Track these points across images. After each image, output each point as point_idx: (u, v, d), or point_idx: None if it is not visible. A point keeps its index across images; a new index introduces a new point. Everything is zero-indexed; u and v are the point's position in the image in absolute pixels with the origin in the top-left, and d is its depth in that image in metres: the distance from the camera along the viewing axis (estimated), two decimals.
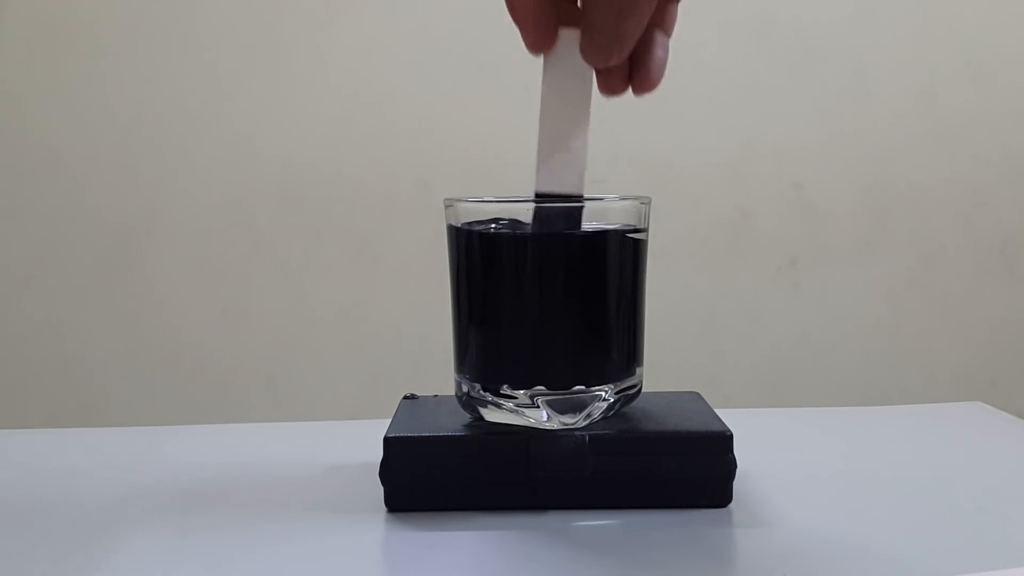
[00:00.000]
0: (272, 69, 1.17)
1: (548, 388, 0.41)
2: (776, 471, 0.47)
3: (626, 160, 1.16)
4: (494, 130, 1.15)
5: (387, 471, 0.42)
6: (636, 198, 0.43)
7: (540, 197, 0.41)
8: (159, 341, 1.18)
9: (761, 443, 0.47)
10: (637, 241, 0.43)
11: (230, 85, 1.17)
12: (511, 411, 0.42)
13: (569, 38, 0.39)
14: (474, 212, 0.43)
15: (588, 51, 0.38)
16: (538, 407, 0.41)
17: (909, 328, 1.22)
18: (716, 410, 0.45)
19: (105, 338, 1.18)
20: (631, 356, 0.43)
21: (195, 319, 1.18)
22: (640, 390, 0.44)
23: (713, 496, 0.42)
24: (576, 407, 0.41)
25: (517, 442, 0.42)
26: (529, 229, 0.41)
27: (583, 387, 0.41)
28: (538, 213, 0.41)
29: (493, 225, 0.42)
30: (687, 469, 0.42)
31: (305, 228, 1.18)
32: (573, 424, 0.41)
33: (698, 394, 0.48)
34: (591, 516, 0.41)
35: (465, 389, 0.43)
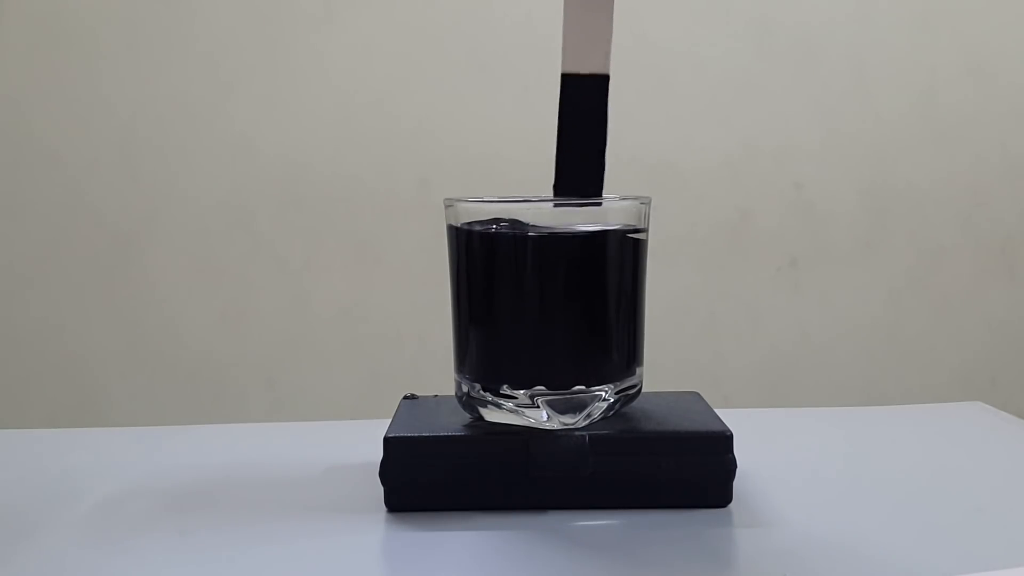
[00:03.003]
0: (272, 69, 1.17)
1: (548, 388, 0.41)
2: (776, 471, 0.47)
3: (626, 160, 1.16)
4: (494, 130, 1.15)
5: (387, 471, 0.42)
6: (636, 198, 0.43)
7: (565, 78, 0.39)
8: (159, 341, 1.18)
9: (761, 443, 0.47)
10: (637, 241, 0.43)
11: (230, 85, 1.17)
12: (511, 411, 0.42)
13: None
14: (474, 212, 0.43)
15: None
16: (538, 407, 0.41)
17: (909, 328, 1.22)
18: (716, 410, 0.45)
19: (105, 338, 1.18)
20: (631, 356, 0.43)
21: (195, 319, 1.18)
22: (640, 390, 0.44)
23: (713, 496, 0.42)
24: (576, 407, 0.41)
25: (517, 442, 0.42)
26: (529, 230, 0.41)
27: (583, 387, 0.41)
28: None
29: (493, 225, 0.42)
30: (687, 469, 0.42)
31: (305, 228, 1.18)
32: (573, 424, 0.41)
33: (698, 394, 0.48)
34: (591, 516, 0.41)
35: (465, 389, 0.43)
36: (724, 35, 1.17)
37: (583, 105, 0.40)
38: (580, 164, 0.40)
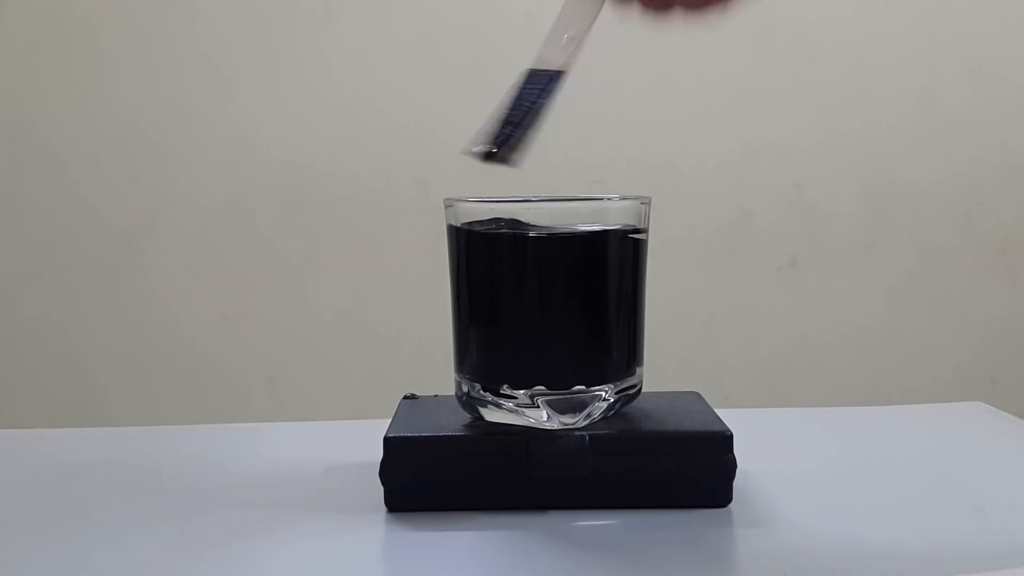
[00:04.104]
0: (272, 69, 1.17)
1: (548, 388, 0.41)
2: (776, 471, 0.47)
3: (626, 160, 1.16)
4: None
5: (387, 471, 0.42)
6: (636, 198, 0.43)
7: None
8: (159, 341, 1.18)
9: (761, 443, 0.47)
10: (637, 241, 0.43)
11: (230, 85, 1.17)
12: (511, 411, 0.41)
13: None
14: (474, 212, 0.43)
15: None
16: (538, 407, 0.41)
17: (909, 328, 1.22)
18: (716, 410, 0.45)
19: (105, 338, 1.18)
20: (631, 356, 0.43)
21: (195, 319, 1.18)
22: (640, 390, 0.44)
23: (713, 496, 0.42)
24: (576, 407, 0.41)
25: (517, 442, 0.42)
26: (529, 230, 0.41)
27: (583, 387, 0.41)
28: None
29: (493, 225, 0.42)
30: (687, 469, 0.42)
31: (305, 228, 1.18)
32: (573, 424, 0.41)
33: (698, 394, 0.48)
34: (591, 516, 0.41)
35: (465, 389, 0.43)
36: (724, 35, 1.17)
37: (531, 87, 0.41)
38: (502, 130, 0.42)
